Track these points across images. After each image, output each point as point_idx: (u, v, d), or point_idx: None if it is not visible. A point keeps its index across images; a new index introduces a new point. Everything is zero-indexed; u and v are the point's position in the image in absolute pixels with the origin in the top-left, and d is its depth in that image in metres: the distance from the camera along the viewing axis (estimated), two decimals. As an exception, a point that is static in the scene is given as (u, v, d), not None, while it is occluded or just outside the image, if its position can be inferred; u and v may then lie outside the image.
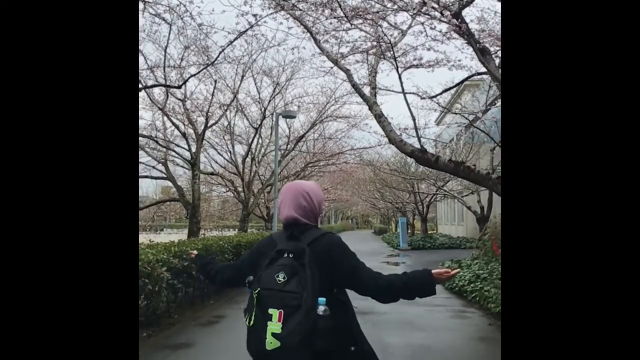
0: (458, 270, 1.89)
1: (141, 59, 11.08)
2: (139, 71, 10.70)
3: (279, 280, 1.71)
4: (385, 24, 6.36)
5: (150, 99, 12.08)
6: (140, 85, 10.34)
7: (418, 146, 6.04)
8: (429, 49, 6.70)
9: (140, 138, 12.61)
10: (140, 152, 13.58)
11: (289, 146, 17.25)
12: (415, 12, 5.63)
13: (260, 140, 16.51)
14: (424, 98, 7.82)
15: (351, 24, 6.27)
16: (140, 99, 12.22)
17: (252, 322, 1.73)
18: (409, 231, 24.49)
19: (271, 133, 16.34)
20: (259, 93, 15.07)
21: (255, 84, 14.84)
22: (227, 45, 8.36)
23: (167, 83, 10.59)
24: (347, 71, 6.79)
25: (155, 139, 12.92)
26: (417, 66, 7.14)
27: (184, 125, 12.61)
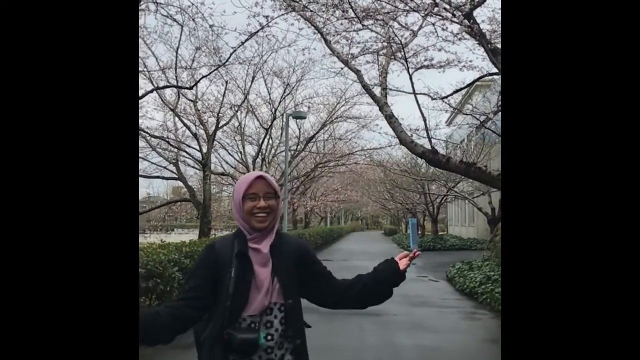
0: (418, 253, 1.89)
1: (153, 60, 11.18)
2: (151, 72, 10.81)
3: None
4: (396, 25, 6.35)
5: (162, 100, 12.18)
6: (152, 86, 10.43)
7: (429, 147, 6.03)
8: (439, 50, 6.75)
9: (151, 139, 12.71)
10: (152, 153, 13.69)
11: (299, 147, 17.28)
12: (426, 12, 5.61)
13: (270, 141, 16.56)
14: (434, 99, 7.80)
15: (362, 25, 6.27)
16: (152, 100, 12.34)
17: None
18: (419, 232, 24.40)
19: (281, 134, 16.37)
20: (270, 94, 15.14)
21: (266, 84, 14.96)
22: (239, 47, 8.41)
23: (179, 84, 10.66)
24: (357, 72, 6.79)
25: (167, 139, 13.00)
26: (428, 67, 7.13)
27: (195, 125, 12.69)
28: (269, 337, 1.62)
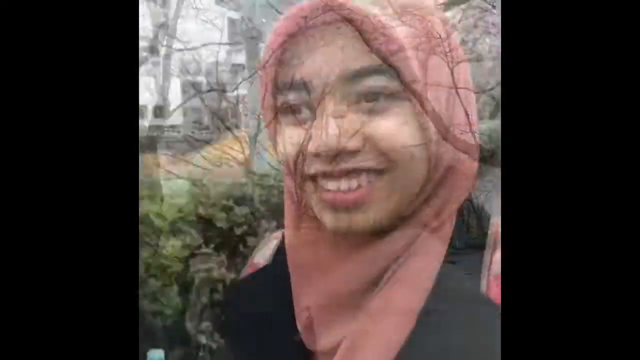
0: None
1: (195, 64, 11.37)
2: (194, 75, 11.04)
3: None
4: (435, 20, 6.29)
5: (204, 103, 12.39)
6: (194, 91, 10.64)
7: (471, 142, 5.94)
8: (480, 43, 6.56)
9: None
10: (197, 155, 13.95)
11: (339, 145, 17.25)
12: (465, 6, 5.54)
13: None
14: (477, 92, 7.66)
15: (400, 21, 6.23)
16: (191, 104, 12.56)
17: None
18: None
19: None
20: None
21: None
22: (278, 48, 8.48)
23: (221, 88, 10.82)
24: (397, 68, 6.76)
25: (210, 142, 13.22)
26: (468, 60, 7.00)
27: (237, 128, 12.85)
28: None
